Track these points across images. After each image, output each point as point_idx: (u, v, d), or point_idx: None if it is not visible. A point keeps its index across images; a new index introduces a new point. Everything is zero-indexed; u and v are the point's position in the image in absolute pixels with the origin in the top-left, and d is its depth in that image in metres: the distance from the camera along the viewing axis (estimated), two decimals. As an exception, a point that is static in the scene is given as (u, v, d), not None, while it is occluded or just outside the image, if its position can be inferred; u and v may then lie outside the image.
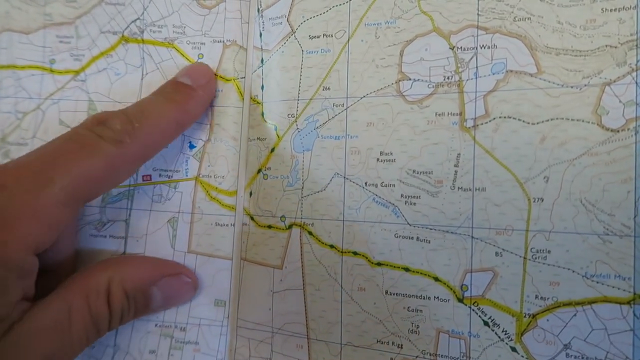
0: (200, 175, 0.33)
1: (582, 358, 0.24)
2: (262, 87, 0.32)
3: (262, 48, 0.32)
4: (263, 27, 0.32)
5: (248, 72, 0.33)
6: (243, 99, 0.33)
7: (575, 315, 0.25)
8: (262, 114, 0.32)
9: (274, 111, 0.32)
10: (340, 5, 0.30)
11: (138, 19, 0.34)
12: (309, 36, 0.31)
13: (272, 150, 0.32)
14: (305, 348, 0.30)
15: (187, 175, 0.33)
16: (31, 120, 0.35)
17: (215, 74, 0.33)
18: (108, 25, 0.35)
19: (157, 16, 0.34)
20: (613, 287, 0.24)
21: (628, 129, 0.24)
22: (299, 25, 0.31)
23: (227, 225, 0.33)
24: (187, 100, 0.30)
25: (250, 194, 0.32)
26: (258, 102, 0.32)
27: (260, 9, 0.32)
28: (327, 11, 0.31)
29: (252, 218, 0.32)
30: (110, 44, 0.34)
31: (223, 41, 0.33)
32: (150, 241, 0.33)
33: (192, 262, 0.32)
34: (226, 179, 0.33)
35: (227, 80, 0.33)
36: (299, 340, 0.30)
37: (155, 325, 0.32)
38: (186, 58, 0.33)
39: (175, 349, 0.32)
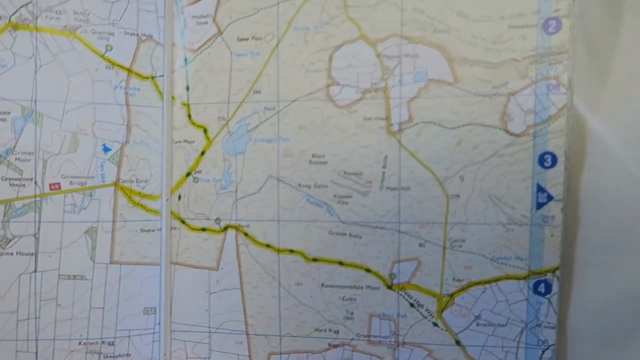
0: (120, 181, 0.31)
1: (489, 325, 0.29)
2: (188, 88, 0.31)
3: (184, 47, 0.31)
4: (185, 25, 0.30)
5: (167, 71, 0.31)
6: (163, 98, 0.31)
7: (484, 291, 0.29)
8: (189, 116, 0.31)
9: (203, 113, 0.31)
10: (268, 7, 0.30)
11: (30, 2, 0.29)
12: (238, 38, 0.30)
13: (203, 153, 0.31)
14: (244, 343, 0.31)
15: (104, 181, 0.31)
16: None
17: (130, 70, 0.30)
18: (-11, 8, 0.29)
19: (55, 0, 0.30)
20: (513, 266, 0.29)
21: (528, 134, 0.29)
22: (227, 27, 0.30)
23: (153, 230, 0.31)
24: None
25: (179, 197, 0.31)
26: (184, 104, 0.31)
27: (181, 5, 0.30)
28: (255, 13, 0.30)
29: (183, 222, 0.31)
30: (-9, 31, 0.30)
31: (137, 35, 0.30)
32: (66, 255, 0.30)
33: (116, 273, 0.31)
34: (150, 183, 0.31)
35: (144, 78, 0.31)
36: (238, 337, 0.31)
37: (79, 343, 0.31)
38: (92, 49, 0.30)
39: (107, 363, 0.31)
